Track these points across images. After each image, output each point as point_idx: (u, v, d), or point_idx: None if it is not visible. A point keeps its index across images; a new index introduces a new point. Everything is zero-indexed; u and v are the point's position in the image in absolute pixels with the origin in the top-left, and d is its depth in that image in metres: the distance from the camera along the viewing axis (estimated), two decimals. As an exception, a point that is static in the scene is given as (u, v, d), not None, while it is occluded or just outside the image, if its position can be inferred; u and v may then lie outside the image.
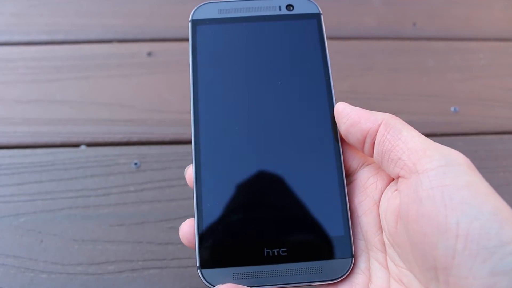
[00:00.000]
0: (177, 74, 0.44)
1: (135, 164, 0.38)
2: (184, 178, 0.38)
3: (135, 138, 0.39)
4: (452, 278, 0.17)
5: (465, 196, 0.17)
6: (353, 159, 0.25)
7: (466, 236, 0.17)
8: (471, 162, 0.19)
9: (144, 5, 0.48)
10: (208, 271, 0.20)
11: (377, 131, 0.22)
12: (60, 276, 0.33)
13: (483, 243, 0.16)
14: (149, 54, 0.45)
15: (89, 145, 0.39)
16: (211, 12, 0.26)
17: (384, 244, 0.22)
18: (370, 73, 0.46)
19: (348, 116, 0.23)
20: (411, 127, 0.22)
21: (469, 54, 0.48)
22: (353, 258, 0.22)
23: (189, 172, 0.24)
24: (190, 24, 0.26)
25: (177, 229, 0.35)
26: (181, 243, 0.34)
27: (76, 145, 0.39)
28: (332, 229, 0.22)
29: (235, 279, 0.21)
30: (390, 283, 0.21)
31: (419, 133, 0.21)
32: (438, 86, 0.45)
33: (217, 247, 0.21)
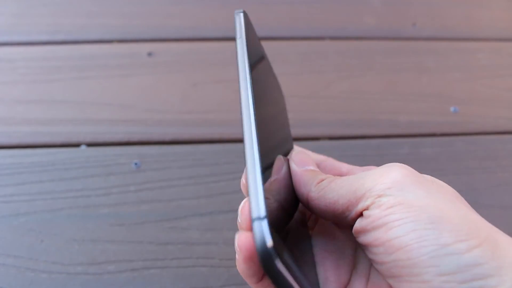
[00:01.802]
0: (177, 74, 0.44)
1: (135, 164, 0.38)
2: (184, 178, 0.38)
3: (135, 138, 0.40)
4: (405, 284, 0.18)
5: (400, 214, 0.19)
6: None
7: (406, 247, 0.18)
8: (405, 173, 0.20)
9: (144, 5, 0.48)
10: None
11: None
12: (60, 276, 0.33)
13: (423, 251, 0.18)
14: (149, 54, 0.45)
15: (89, 145, 0.39)
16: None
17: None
18: (370, 73, 0.46)
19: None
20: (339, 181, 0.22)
21: (469, 54, 0.48)
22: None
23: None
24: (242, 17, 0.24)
25: (177, 229, 0.35)
26: (181, 243, 0.34)
27: (77, 145, 0.39)
28: None
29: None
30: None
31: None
32: (438, 86, 0.45)
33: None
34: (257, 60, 0.24)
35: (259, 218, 0.17)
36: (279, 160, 0.23)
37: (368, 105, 0.43)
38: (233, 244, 0.34)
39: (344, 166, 0.28)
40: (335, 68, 0.46)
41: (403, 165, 0.21)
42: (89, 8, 0.48)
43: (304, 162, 0.25)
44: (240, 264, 0.20)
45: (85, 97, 0.42)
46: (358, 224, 0.20)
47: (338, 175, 0.27)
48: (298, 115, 0.42)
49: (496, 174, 0.40)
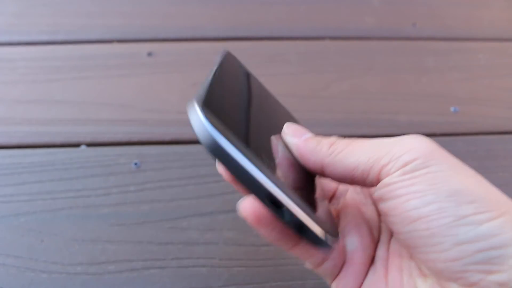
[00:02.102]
0: (177, 74, 0.44)
1: (135, 164, 0.38)
2: (184, 178, 0.38)
3: (135, 138, 0.40)
4: (422, 255, 0.19)
5: (422, 186, 0.19)
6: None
7: (426, 217, 0.18)
8: (430, 146, 0.20)
9: (144, 5, 0.48)
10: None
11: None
12: (60, 276, 0.33)
13: (442, 221, 0.18)
14: (149, 54, 0.45)
15: (89, 145, 0.39)
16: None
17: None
18: (370, 73, 0.46)
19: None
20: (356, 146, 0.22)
21: (469, 54, 0.48)
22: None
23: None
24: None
25: (177, 229, 0.35)
26: (181, 243, 0.34)
27: (76, 145, 0.39)
28: None
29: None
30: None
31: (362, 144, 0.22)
32: (438, 86, 0.45)
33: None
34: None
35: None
36: (272, 141, 0.23)
37: (368, 105, 0.43)
38: (233, 244, 0.34)
39: (323, 151, 0.26)
40: (335, 68, 0.46)
41: (426, 137, 0.21)
42: (89, 8, 0.48)
43: (300, 132, 0.24)
44: (263, 232, 0.21)
45: (85, 97, 0.42)
46: (378, 191, 0.20)
47: None
48: (298, 115, 0.42)
49: (496, 174, 0.40)
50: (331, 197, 0.27)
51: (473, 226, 0.17)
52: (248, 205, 0.20)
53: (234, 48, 0.47)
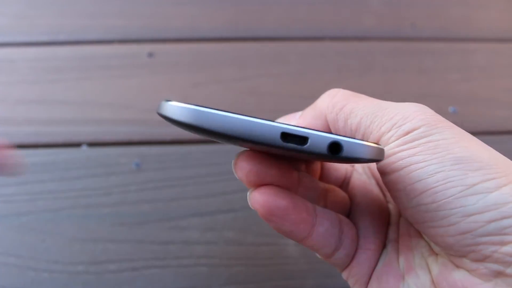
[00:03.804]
0: (178, 75, 0.44)
1: (136, 164, 0.38)
2: (184, 178, 0.38)
3: (136, 138, 0.40)
4: (431, 230, 0.18)
5: (424, 155, 0.17)
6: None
7: (430, 189, 0.17)
8: (432, 115, 0.19)
9: (145, 6, 0.48)
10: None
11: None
12: (61, 275, 0.33)
13: (449, 192, 0.17)
14: (150, 54, 0.45)
15: (90, 145, 0.39)
16: None
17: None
18: (369, 74, 0.46)
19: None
20: (358, 101, 0.21)
21: (468, 54, 0.48)
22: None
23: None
24: None
25: (177, 228, 0.35)
26: (181, 242, 0.34)
27: (77, 145, 0.39)
28: None
29: None
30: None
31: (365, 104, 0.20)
32: (437, 86, 0.45)
33: None
34: None
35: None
36: None
37: (367, 105, 0.44)
38: (233, 244, 0.34)
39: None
40: (335, 68, 0.46)
41: (426, 106, 0.20)
42: (90, 9, 0.48)
43: (290, 117, 0.23)
44: (274, 224, 0.19)
45: (86, 97, 0.42)
46: (379, 164, 0.19)
47: None
48: (298, 115, 0.42)
49: (494, 174, 0.40)
50: (341, 186, 0.26)
51: (482, 195, 0.16)
52: (259, 196, 0.19)
53: (234, 48, 0.47)
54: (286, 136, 0.16)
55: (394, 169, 0.18)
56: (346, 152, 0.17)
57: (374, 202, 0.23)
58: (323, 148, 0.16)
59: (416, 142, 0.18)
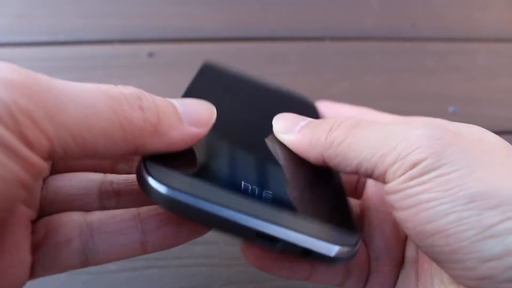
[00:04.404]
0: (178, 75, 0.44)
1: (136, 164, 0.38)
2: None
3: (136, 138, 0.40)
4: (448, 270, 0.16)
5: (434, 193, 0.16)
6: None
7: (444, 231, 0.15)
8: (443, 138, 0.17)
9: (145, 5, 0.48)
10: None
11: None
12: (61, 275, 0.33)
13: (463, 236, 0.15)
14: (150, 54, 0.45)
15: (90, 145, 0.39)
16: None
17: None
18: (369, 74, 0.46)
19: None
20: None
21: (468, 55, 0.48)
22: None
23: None
24: None
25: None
26: (181, 242, 0.34)
27: (77, 145, 0.39)
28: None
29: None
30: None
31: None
32: (437, 86, 0.46)
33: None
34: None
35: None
36: (268, 144, 0.20)
37: (367, 105, 0.43)
38: (233, 243, 0.34)
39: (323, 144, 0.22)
40: (335, 68, 0.46)
41: (441, 126, 0.18)
42: (90, 9, 0.48)
43: (291, 124, 0.20)
44: (272, 274, 0.19)
45: (86, 98, 0.42)
46: (387, 197, 0.18)
47: None
48: (298, 115, 0.42)
49: (494, 174, 0.40)
50: (355, 186, 0.25)
51: (501, 238, 0.14)
52: (248, 251, 0.19)
53: (234, 48, 0.47)
54: (261, 235, 0.16)
55: (402, 207, 0.17)
56: (316, 257, 0.16)
57: (389, 217, 0.21)
58: (295, 252, 0.16)
59: (425, 177, 0.16)
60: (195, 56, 0.46)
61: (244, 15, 0.49)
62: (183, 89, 0.42)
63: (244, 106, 0.25)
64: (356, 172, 0.18)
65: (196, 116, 0.18)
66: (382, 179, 0.18)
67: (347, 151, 0.18)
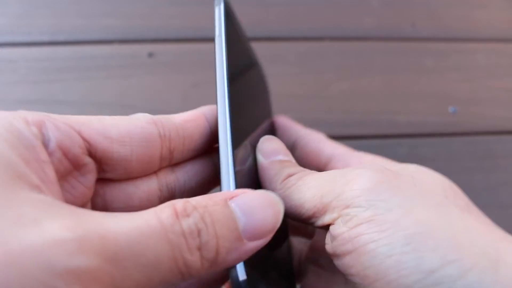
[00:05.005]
0: (178, 75, 0.44)
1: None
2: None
3: (136, 138, 0.40)
4: None
5: (371, 234, 0.15)
6: None
7: (384, 278, 0.15)
8: (378, 177, 0.17)
9: (145, 5, 0.48)
10: None
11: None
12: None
13: (403, 281, 0.14)
14: (150, 54, 0.45)
15: (90, 145, 0.39)
16: None
17: None
18: (369, 74, 0.46)
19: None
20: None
21: (468, 54, 0.48)
22: None
23: None
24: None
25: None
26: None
27: (78, 145, 0.39)
28: None
29: None
30: None
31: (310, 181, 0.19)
32: (437, 86, 0.46)
33: None
34: (238, 60, 0.23)
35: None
36: (245, 148, 0.21)
37: (367, 105, 0.44)
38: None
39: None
40: (335, 68, 0.46)
41: (379, 166, 0.18)
42: (90, 9, 0.48)
43: (272, 152, 0.21)
44: None
45: (86, 98, 0.42)
46: (328, 244, 0.17)
47: (315, 163, 0.23)
48: (298, 115, 0.42)
49: (494, 174, 0.40)
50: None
51: (446, 286, 0.14)
52: None
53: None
54: None
55: (344, 252, 0.16)
56: None
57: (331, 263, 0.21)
58: None
59: (360, 218, 0.16)
60: (195, 56, 0.46)
61: (244, 15, 0.49)
62: (183, 89, 0.42)
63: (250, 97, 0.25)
64: (299, 216, 0.18)
65: (259, 229, 0.16)
66: (322, 223, 0.18)
67: (293, 193, 0.18)
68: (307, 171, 0.20)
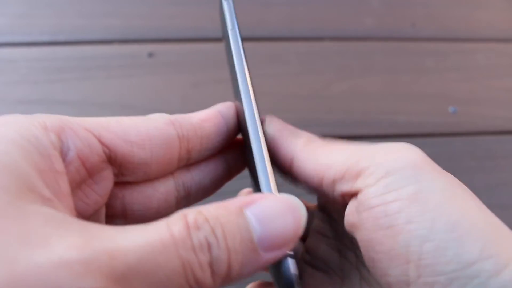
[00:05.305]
0: (178, 75, 0.44)
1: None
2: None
3: (136, 138, 0.40)
4: None
5: (412, 213, 0.14)
6: None
7: (418, 261, 0.14)
8: (421, 156, 0.16)
9: (145, 6, 0.48)
10: None
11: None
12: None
13: (440, 269, 0.14)
14: (150, 54, 0.45)
15: (90, 145, 0.39)
16: None
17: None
18: (369, 74, 0.46)
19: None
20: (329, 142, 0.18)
21: (468, 54, 0.48)
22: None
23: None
24: None
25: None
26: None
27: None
28: None
29: None
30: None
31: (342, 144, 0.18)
32: (437, 86, 0.46)
33: None
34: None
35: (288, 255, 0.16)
36: None
37: (367, 105, 0.44)
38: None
39: (299, 143, 0.19)
40: (335, 68, 0.46)
41: (416, 147, 0.17)
42: (90, 9, 0.48)
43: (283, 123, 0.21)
44: None
45: (86, 98, 0.42)
46: (353, 215, 0.16)
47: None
48: (298, 115, 0.42)
49: (494, 174, 0.40)
50: None
51: (481, 280, 0.13)
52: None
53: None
54: None
55: (376, 227, 0.15)
56: None
57: (325, 261, 0.21)
58: None
59: (403, 192, 0.15)
60: (195, 56, 0.46)
61: (244, 15, 0.49)
62: (183, 89, 0.42)
63: None
64: (318, 179, 0.17)
65: (277, 238, 0.14)
66: (349, 187, 0.16)
67: (321, 155, 0.18)
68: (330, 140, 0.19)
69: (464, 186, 0.16)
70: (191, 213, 0.14)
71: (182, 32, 0.47)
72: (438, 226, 0.14)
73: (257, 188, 0.18)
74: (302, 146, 0.18)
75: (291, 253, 0.16)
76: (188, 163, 0.20)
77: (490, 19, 0.52)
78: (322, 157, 0.17)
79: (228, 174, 0.22)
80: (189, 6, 0.49)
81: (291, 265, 0.16)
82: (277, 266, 0.16)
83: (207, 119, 0.20)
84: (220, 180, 0.22)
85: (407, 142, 0.17)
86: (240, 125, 0.21)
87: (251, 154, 0.18)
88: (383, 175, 0.15)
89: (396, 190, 0.15)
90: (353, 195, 0.16)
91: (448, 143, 0.41)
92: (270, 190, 0.17)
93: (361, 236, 0.16)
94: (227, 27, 0.21)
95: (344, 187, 0.17)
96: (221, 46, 0.47)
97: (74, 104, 0.41)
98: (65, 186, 0.15)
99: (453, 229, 0.14)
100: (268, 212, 0.14)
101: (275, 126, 0.20)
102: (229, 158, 0.22)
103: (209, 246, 0.13)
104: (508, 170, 0.40)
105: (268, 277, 0.22)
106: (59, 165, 0.15)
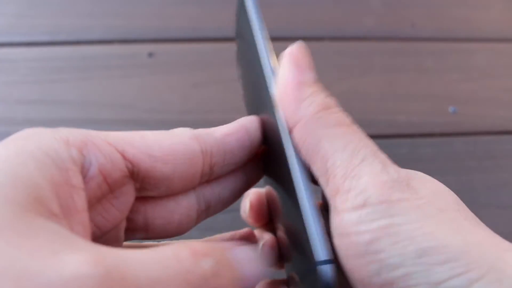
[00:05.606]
0: (178, 75, 0.44)
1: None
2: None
3: (136, 138, 0.40)
4: None
5: (386, 245, 0.15)
6: None
7: (393, 285, 0.15)
8: (389, 172, 0.16)
9: (145, 6, 0.48)
10: None
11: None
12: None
13: None
14: (150, 55, 0.45)
15: (90, 145, 0.39)
16: None
17: None
18: (369, 74, 0.46)
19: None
20: (338, 132, 0.17)
21: (468, 54, 0.48)
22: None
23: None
24: None
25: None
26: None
27: (78, 145, 0.39)
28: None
29: None
30: None
31: (346, 144, 0.17)
32: (437, 86, 0.45)
33: None
34: None
35: (326, 262, 0.16)
36: None
37: (367, 105, 0.44)
38: (233, 243, 0.34)
39: (310, 110, 0.18)
40: (334, 69, 0.46)
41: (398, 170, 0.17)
42: (90, 9, 0.48)
43: (303, 67, 0.20)
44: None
45: (86, 98, 0.42)
46: (337, 239, 0.17)
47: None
48: (298, 115, 0.42)
49: (494, 174, 0.40)
50: None
51: None
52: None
53: (234, 48, 0.47)
54: None
55: (352, 255, 0.16)
56: None
57: None
58: None
59: (376, 224, 0.15)
60: (195, 56, 0.46)
61: (244, 15, 0.49)
62: (183, 89, 0.42)
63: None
64: (309, 159, 0.17)
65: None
66: (331, 197, 0.17)
67: (325, 138, 0.17)
68: (346, 119, 0.18)
69: (446, 202, 0.16)
70: (197, 242, 0.14)
71: (182, 32, 0.47)
72: (408, 254, 0.15)
73: (289, 199, 0.18)
74: (311, 115, 0.18)
75: (331, 258, 0.16)
76: (210, 178, 0.20)
77: (490, 19, 0.52)
78: (324, 142, 0.17)
79: (247, 184, 0.22)
80: (189, 6, 0.49)
81: (331, 271, 0.16)
82: (311, 271, 0.16)
83: (231, 134, 0.19)
84: (239, 191, 0.22)
85: (407, 142, 0.16)
86: (266, 137, 0.21)
87: (285, 172, 0.18)
88: (359, 206, 0.16)
89: (372, 222, 0.15)
90: (333, 192, 0.17)
91: (448, 143, 0.41)
92: (314, 220, 0.17)
93: (340, 252, 0.16)
94: (251, 28, 0.20)
95: (328, 189, 0.17)
96: (221, 46, 0.47)
97: (74, 104, 0.41)
98: (80, 201, 0.15)
99: (422, 255, 0.14)
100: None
101: (290, 72, 0.19)
102: (248, 168, 0.22)
103: (218, 274, 0.14)
104: (508, 170, 0.40)
105: (278, 275, 0.22)
106: (76, 179, 0.15)
